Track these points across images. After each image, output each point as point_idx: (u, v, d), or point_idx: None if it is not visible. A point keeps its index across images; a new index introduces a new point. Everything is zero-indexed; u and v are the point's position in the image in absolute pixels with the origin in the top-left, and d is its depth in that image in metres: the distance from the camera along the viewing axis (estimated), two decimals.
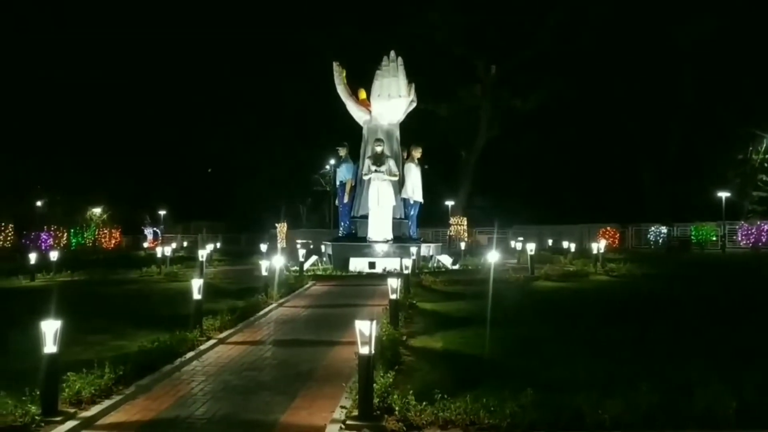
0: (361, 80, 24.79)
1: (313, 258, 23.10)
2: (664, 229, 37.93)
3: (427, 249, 23.75)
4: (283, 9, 46.84)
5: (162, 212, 53.60)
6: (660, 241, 37.54)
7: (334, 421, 5.93)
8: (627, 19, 37.51)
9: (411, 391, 6.15)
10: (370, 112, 24.05)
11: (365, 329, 5.95)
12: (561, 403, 5.90)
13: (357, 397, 6.05)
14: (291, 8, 45.82)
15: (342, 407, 6.25)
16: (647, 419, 5.58)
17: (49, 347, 6.14)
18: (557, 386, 6.64)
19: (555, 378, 7.14)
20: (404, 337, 9.52)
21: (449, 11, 38.81)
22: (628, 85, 39.01)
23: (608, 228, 38.50)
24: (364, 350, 5.92)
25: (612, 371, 7.42)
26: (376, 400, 6.04)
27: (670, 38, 37.06)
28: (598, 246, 21.70)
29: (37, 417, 5.87)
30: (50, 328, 6.16)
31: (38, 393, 6.12)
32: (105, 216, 46.21)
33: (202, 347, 9.17)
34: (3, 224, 34.53)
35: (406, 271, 14.52)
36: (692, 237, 36.52)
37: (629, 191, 44.73)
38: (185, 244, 45.25)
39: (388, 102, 23.53)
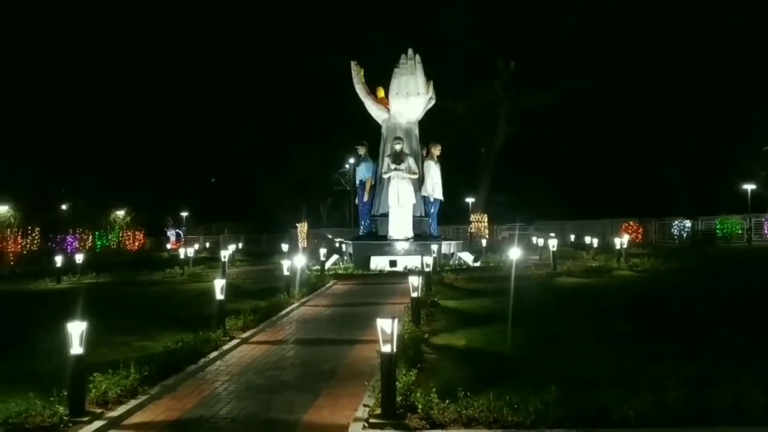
0: (379, 79, 24.80)
1: (334, 257, 23.16)
2: (688, 223, 37.39)
3: (448, 246, 23.69)
4: (301, 9, 46.98)
5: (184, 214, 54.14)
6: (684, 235, 37.01)
7: (357, 419, 5.94)
8: (646, 9, 37.02)
9: (434, 389, 6.13)
10: (388, 110, 24.03)
11: (387, 327, 5.94)
12: (585, 399, 5.85)
13: (380, 395, 6.06)
14: (309, 8, 45.92)
15: (365, 406, 6.25)
16: (674, 415, 5.51)
17: (76, 348, 6.22)
18: (581, 383, 6.59)
19: (579, 374, 7.08)
20: (426, 335, 9.50)
21: (467, 7, 38.65)
22: (649, 77, 38.48)
23: (631, 222, 38.06)
24: (386, 348, 5.92)
25: (637, 367, 7.34)
26: (398, 399, 6.03)
27: (691, 28, 36.50)
28: (621, 241, 21.49)
29: (64, 417, 5.96)
30: (76, 330, 6.24)
31: (66, 394, 6.20)
32: (128, 218, 46.74)
33: (225, 347, 9.24)
34: (30, 228, 35.05)
35: (427, 269, 14.48)
36: (717, 231, 35.94)
37: (652, 185, 44.17)
38: (207, 245, 45.66)
39: (407, 100, 23.49)
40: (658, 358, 7.81)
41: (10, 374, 7.69)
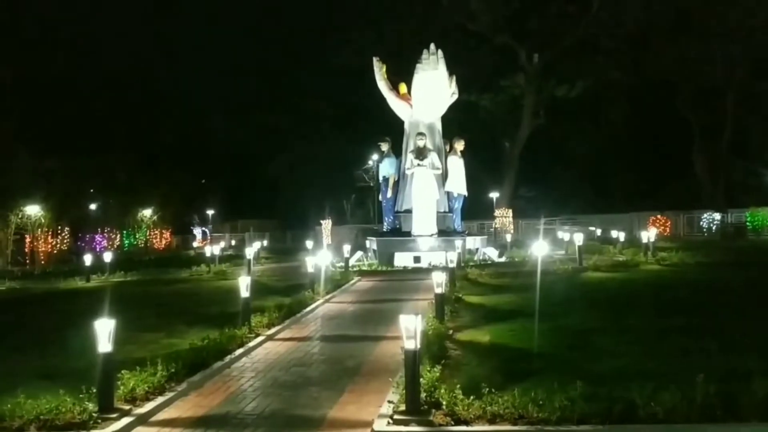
0: (402, 74, 24.76)
1: (359, 254, 23.20)
2: (717, 216, 36.77)
3: (472, 242, 23.60)
4: (326, 4, 47.09)
5: (210, 212, 54.65)
6: (713, 228, 36.42)
7: (381, 416, 5.93)
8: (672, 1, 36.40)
9: (458, 386, 6.10)
10: (411, 106, 23.97)
11: (410, 324, 5.93)
12: (612, 395, 5.78)
13: (404, 391, 6.05)
14: (334, 3, 46.01)
15: (389, 402, 6.25)
16: (704, 411, 5.42)
17: (104, 346, 6.31)
18: (608, 379, 6.53)
19: (605, 370, 7.02)
20: (450, 331, 9.47)
21: (490, 1, 38.39)
22: (677, 67, 37.84)
23: (659, 216, 37.54)
24: (409, 345, 5.91)
25: (665, 362, 7.26)
26: (423, 395, 6.02)
27: (720, 17, 35.79)
28: (648, 235, 21.19)
29: (94, 414, 6.05)
30: (105, 328, 6.33)
31: (95, 391, 6.30)
32: (155, 217, 47.32)
33: (250, 344, 9.30)
34: (59, 228, 35.70)
35: (451, 265, 14.43)
36: (747, 223, 35.31)
37: (680, 178, 43.51)
38: (233, 242, 46.05)
39: (429, 95, 23.42)
40: (688, 352, 7.71)
41: (42, 372, 7.83)
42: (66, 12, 49.38)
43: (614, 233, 28.75)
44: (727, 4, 35.38)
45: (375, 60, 24.52)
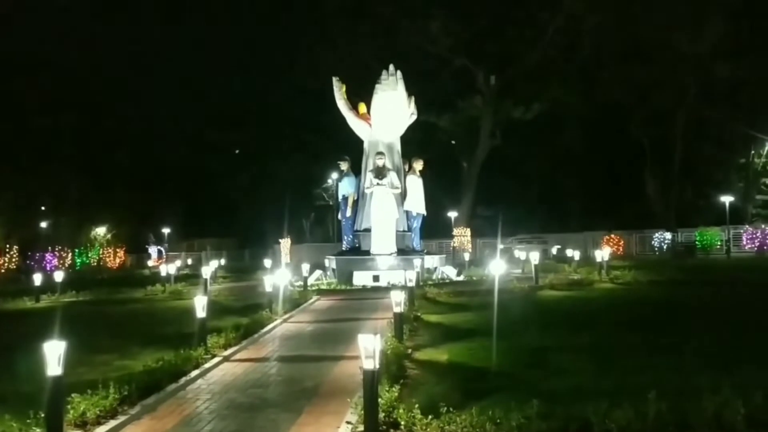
0: (361, 94, 24.91)
1: (317, 272, 23.07)
2: (668, 235, 37.81)
3: (431, 261, 23.71)
4: (283, 24, 47.18)
5: (166, 230, 53.75)
6: (665, 247, 37.41)
7: None
8: (627, 26, 37.56)
9: (416, 405, 6.10)
10: (370, 125, 24.11)
11: (369, 344, 5.91)
12: (568, 413, 5.85)
13: (362, 412, 6.02)
14: (292, 23, 46.11)
15: (347, 423, 6.22)
16: (657, 427, 5.53)
17: (54, 369, 6.11)
18: (564, 396, 6.61)
19: (562, 388, 7.11)
20: (409, 350, 9.48)
21: (448, 22, 39.01)
22: (630, 91, 39.00)
23: (612, 235, 38.40)
24: (368, 365, 5.88)
25: (619, 380, 7.38)
26: (381, 415, 6.00)
27: (671, 44, 37.08)
28: (602, 254, 21.63)
29: None
30: (54, 350, 6.14)
31: (43, 415, 6.09)
32: (109, 235, 46.30)
33: (206, 365, 9.13)
34: (8, 246, 34.64)
35: (409, 284, 14.46)
36: (697, 242, 36.41)
37: (632, 198, 44.64)
38: (189, 261, 45.30)
39: (388, 115, 23.61)
40: (642, 370, 7.86)
41: None
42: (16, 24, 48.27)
43: (569, 252, 29.29)
44: (676, 32, 36.65)
45: (335, 80, 24.63)
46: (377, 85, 23.54)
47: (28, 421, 6.07)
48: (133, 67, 50.69)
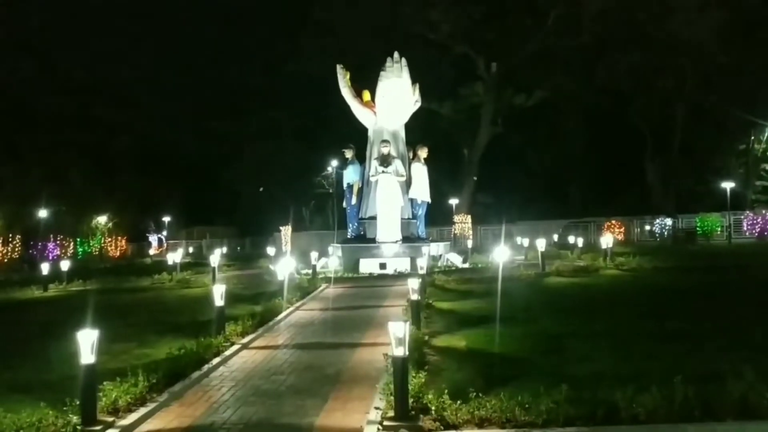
0: (365, 82, 24.88)
1: (323, 260, 23.17)
2: (669, 221, 37.98)
3: (436, 248, 23.82)
4: (288, 11, 46.95)
5: (166, 219, 53.76)
6: (665, 233, 37.59)
7: (370, 422, 5.99)
8: (627, 11, 37.51)
9: (445, 391, 6.21)
10: (375, 113, 24.10)
11: (398, 331, 6.01)
12: (595, 398, 5.97)
13: (391, 397, 6.12)
14: (296, 10, 45.86)
15: (376, 408, 6.31)
16: (683, 411, 5.65)
17: (87, 357, 6.20)
18: (587, 382, 6.71)
19: (582, 374, 7.21)
20: (426, 337, 9.58)
21: (449, 10, 38.91)
22: (630, 77, 39.00)
23: (613, 221, 38.56)
24: (398, 352, 5.99)
25: (638, 365, 7.49)
26: (410, 401, 6.11)
27: (670, 30, 37.04)
28: (607, 240, 21.76)
29: (78, 427, 5.94)
30: (87, 339, 6.23)
31: (77, 403, 6.19)
32: (110, 224, 46.29)
33: (227, 353, 9.23)
34: (10, 235, 34.64)
35: (421, 271, 14.57)
36: (697, 228, 36.56)
37: (633, 184, 44.79)
38: (191, 250, 45.38)
39: (393, 103, 23.60)
40: (657, 355, 7.99)
41: (20, 384, 7.64)
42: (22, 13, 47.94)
43: (572, 239, 29.45)
44: (677, 19, 36.63)
45: (339, 67, 24.59)
46: (382, 73, 23.50)
47: (64, 408, 6.15)
48: (134, 54, 50.41)
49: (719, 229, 36.01)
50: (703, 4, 35.98)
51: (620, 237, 36.31)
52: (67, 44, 46.86)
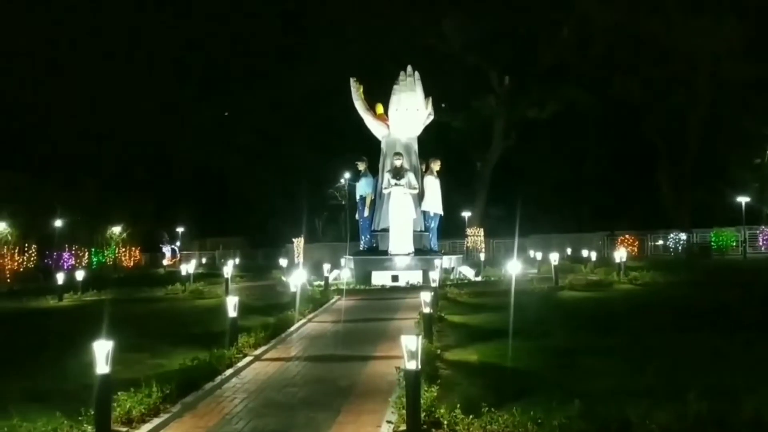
0: (377, 95, 25.02)
1: (335, 272, 23.21)
2: (683, 236, 37.70)
3: (448, 261, 23.80)
4: (302, 24, 47.28)
5: (180, 229, 54.03)
6: (680, 248, 37.31)
7: None
8: (640, 25, 37.45)
9: (457, 405, 6.21)
10: (388, 126, 24.23)
11: (411, 344, 6.03)
12: (608, 413, 5.94)
13: (403, 411, 6.12)
14: (310, 23, 46.20)
15: (388, 422, 6.32)
16: (696, 428, 5.61)
17: (102, 368, 6.26)
18: (599, 397, 6.67)
19: (595, 389, 7.17)
20: (439, 351, 9.57)
21: (462, 22, 39.06)
22: (644, 91, 38.87)
23: (627, 236, 38.33)
24: (410, 365, 6.00)
25: (651, 381, 7.44)
26: (422, 414, 6.11)
27: (684, 43, 36.93)
28: (620, 255, 21.64)
29: None
30: (102, 349, 6.29)
31: (92, 413, 6.24)
32: (124, 234, 46.62)
33: (239, 364, 9.28)
34: (26, 245, 35.00)
35: (434, 284, 14.57)
36: (712, 243, 36.28)
37: (647, 198, 44.47)
38: (204, 260, 45.57)
39: (406, 116, 23.73)
40: (670, 370, 7.94)
41: (36, 393, 7.70)
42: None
43: (585, 252, 29.30)
44: (691, 31, 36.50)
45: (352, 80, 24.76)
46: (395, 86, 23.67)
47: (79, 418, 6.21)
48: (147, 63, 50.91)
49: (734, 243, 35.69)
50: (718, 16, 35.83)
51: (634, 251, 36.09)
52: (74, 55, 47.27)
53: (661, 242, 39.35)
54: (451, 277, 22.32)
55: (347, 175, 41.77)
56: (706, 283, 18.64)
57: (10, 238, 33.08)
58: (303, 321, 13.36)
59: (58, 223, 37.60)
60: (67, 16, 50.23)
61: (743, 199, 35.30)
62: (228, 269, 21.39)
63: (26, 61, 42.66)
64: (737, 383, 6.69)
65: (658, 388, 6.98)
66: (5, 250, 33.03)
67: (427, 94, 24.09)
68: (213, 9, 54.00)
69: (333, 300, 17.19)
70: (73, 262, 39.36)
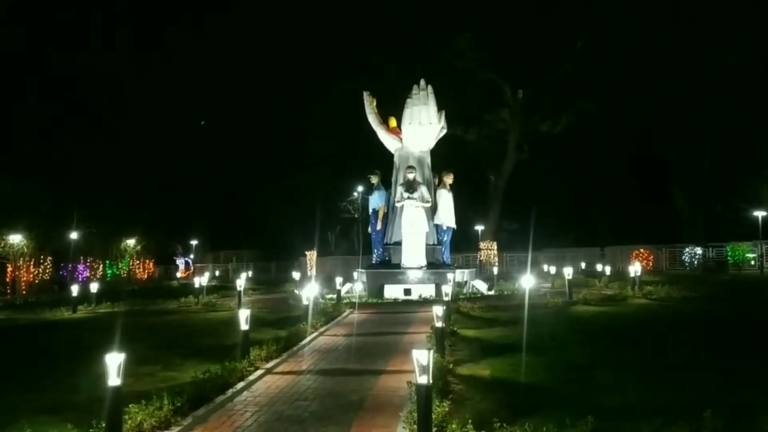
0: (390, 109, 25.09)
1: (347, 285, 23.19)
2: (699, 250, 37.33)
3: (461, 274, 23.70)
4: (314, 37, 47.57)
5: (193, 242, 54.29)
6: (695, 262, 36.95)
7: None
8: (654, 40, 37.41)
9: (469, 420, 6.15)
10: (401, 139, 24.27)
11: (422, 359, 5.98)
12: (622, 430, 5.86)
13: (414, 426, 6.07)
14: (322, 37, 46.48)
15: None
16: None
17: (113, 380, 6.26)
18: (613, 413, 6.60)
19: (610, 405, 7.09)
20: (451, 366, 9.51)
21: (475, 37, 39.19)
22: (658, 105, 38.74)
23: (641, 250, 38.02)
24: (422, 380, 5.95)
25: (666, 398, 7.35)
26: (434, 430, 6.06)
27: (699, 56, 36.82)
28: (635, 269, 21.47)
29: None
30: (114, 361, 6.30)
31: (103, 425, 6.24)
32: (139, 247, 46.90)
33: (251, 377, 9.26)
34: (42, 257, 35.30)
35: (446, 298, 14.51)
36: (728, 257, 35.90)
37: (661, 212, 44.17)
38: (217, 273, 45.72)
39: (419, 129, 23.75)
40: (685, 387, 7.82)
41: (48, 405, 7.74)
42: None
43: (599, 267, 29.10)
44: (706, 44, 36.40)
45: (365, 94, 24.84)
46: (408, 99, 23.71)
47: (90, 430, 6.21)
48: (161, 77, 51.38)
49: (752, 259, 35.29)
50: (732, 30, 35.71)
51: (648, 265, 35.78)
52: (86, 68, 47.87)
53: (676, 256, 38.95)
54: (464, 291, 22.23)
55: (360, 188, 41.81)
56: (722, 298, 18.42)
57: (26, 249, 33.35)
58: (315, 334, 13.33)
59: (74, 235, 37.93)
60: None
61: (759, 213, 34.93)
62: (241, 282, 21.43)
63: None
64: (754, 401, 6.58)
65: (674, 404, 6.89)
66: (21, 262, 33.29)
67: (440, 108, 24.12)
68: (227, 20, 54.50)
69: (345, 313, 17.16)
70: (88, 274, 39.63)
